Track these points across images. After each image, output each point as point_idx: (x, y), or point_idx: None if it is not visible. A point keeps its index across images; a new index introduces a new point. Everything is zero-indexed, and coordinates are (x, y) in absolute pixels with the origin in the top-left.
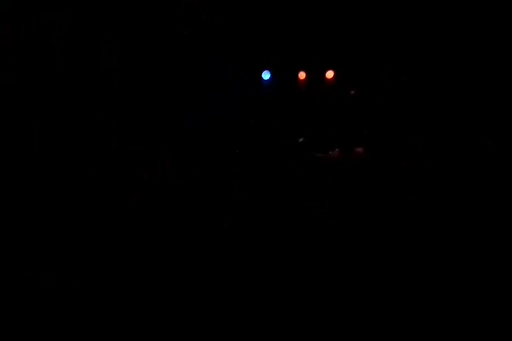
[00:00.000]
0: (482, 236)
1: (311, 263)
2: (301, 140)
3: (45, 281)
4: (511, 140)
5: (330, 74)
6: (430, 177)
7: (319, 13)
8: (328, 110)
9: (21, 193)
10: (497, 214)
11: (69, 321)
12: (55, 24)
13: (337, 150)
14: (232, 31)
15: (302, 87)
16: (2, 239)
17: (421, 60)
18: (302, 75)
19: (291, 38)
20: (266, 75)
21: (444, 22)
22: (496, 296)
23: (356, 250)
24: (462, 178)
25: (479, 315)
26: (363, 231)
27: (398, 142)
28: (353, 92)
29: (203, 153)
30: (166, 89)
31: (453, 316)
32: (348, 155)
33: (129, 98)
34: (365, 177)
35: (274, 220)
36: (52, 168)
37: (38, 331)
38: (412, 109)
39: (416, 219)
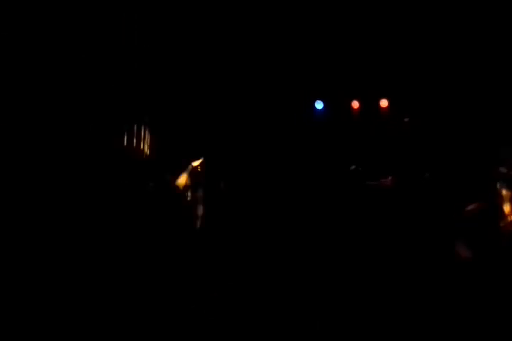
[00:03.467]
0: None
1: (311, 264)
2: (353, 167)
3: (46, 281)
4: None
5: (384, 103)
6: None
7: (370, 42)
8: (381, 138)
9: (21, 195)
10: None
11: (69, 321)
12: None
13: (389, 178)
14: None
15: (356, 116)
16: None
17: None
18: (356, 104)
19: (344, 67)
20: (319, 105)
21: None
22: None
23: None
24: None
25: (479, 315)
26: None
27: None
28: (406, 120)
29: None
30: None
31: (453, 316)
32: (398, 183)
33: None
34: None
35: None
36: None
37: (38, 331)
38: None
39: None
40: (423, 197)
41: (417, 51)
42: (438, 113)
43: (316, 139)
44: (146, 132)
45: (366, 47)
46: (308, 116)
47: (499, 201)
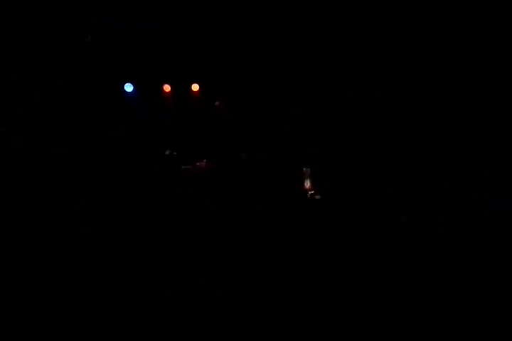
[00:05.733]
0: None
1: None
2: (167, 152)
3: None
4: None
5: (195, 87)
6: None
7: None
8: (194, 122)
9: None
10: None
11: (69, 321)
12: None
13: (204, 161)
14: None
15: (167, 100)
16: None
17: None
18: (167, 88)
19: (156, 51)
20: (129, 88)
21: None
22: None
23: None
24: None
25: (479, 315)
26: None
27: None
28: (217, 104)
29: None
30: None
31: (452, 316)
32: (214, 166)
33: None
34: None
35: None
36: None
37: (38, 331)
38: None
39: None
40: (238, 177)
41: (226, 30)
42: (308, 83)
43: (127, 123)
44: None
45: (178, 31)
46: (118, 100)
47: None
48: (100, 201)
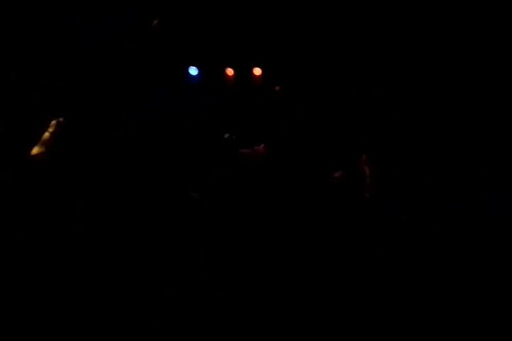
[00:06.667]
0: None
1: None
2: (227, 135)
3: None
4: None
5: (257, 71)
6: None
7: (247, 10)
8: (254, 106)
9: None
10: None
11: (69, 321)
12: None
13: (262, 145)
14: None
15: (230, 84)
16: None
17: None
18: (230, 71)
19: (219, 35)
20: (194, 71)
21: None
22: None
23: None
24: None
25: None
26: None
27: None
28: (278, 88)
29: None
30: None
31: (452, 316)
32: (271, 150)
33: None
34: None
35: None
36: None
37: (38, 331)
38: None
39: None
40: (296, 163)
41: (288, 19)
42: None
43: (190, 106)
44: None
45: (241, 14)
46: (182, 83)
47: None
48: (100, 201)
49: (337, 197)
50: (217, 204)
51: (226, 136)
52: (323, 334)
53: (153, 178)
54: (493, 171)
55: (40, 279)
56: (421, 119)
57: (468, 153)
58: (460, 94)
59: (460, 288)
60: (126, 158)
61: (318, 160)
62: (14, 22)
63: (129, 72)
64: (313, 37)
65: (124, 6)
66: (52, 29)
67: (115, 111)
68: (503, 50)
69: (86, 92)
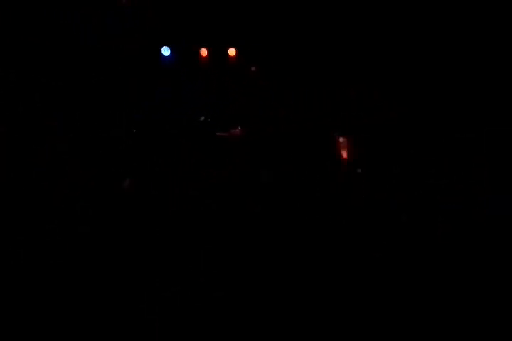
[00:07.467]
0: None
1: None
2: (202, 118)
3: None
4: None
5: (232, 51)
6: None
7: None
8: (229, 87)
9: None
10: None
11: (68, 321)
12: None
13: (239, 128)
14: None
15: (203, 64)
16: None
17: None
18: (204, 52)
19: (193, 15)
20: (166, 51)
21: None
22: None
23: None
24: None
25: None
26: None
27: None
28: (253, 69)
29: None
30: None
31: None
32: (249, 134)
33: None
34: None
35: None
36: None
37: (38, 331)
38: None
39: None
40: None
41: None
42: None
43: (164, 87)
44: None
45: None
46: (154, 63)
47: None
48: (100, 201)
49: (337, 197)
50: (217, 204)
51: (202, 118)
52: (323, 334)
53: (153, 178)
54: (493, 171)
55: (40, 279)
56: (421, 119)
57: (468, 153)
58: (460, 94)
59: (460, 288)
60: (126, 158)
61: (318, 160)
62: (14, 22)
63: (129, 72)
64: (314, 37)
65: (124, 6)
66: (52, 29)
67: (115, 111)
68: (503, 50)
69: (86, 92)
